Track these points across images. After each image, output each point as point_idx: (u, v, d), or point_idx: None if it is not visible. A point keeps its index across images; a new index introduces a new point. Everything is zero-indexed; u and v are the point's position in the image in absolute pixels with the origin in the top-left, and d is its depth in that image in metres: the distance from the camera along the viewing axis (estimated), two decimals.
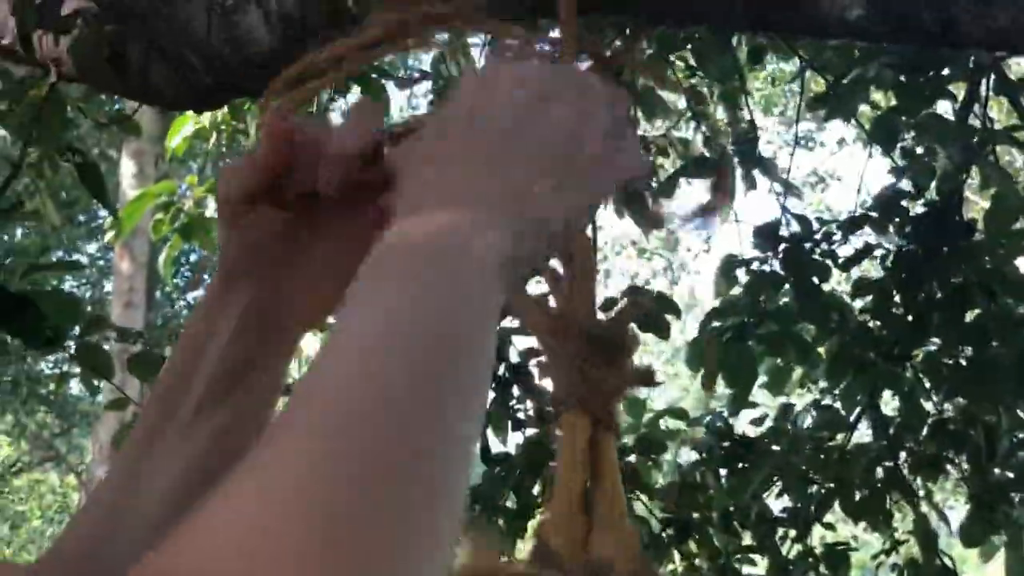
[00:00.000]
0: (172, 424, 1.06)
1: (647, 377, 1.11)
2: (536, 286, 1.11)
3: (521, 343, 4.36)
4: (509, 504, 4.59)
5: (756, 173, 5.14)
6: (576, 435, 1.03)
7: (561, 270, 1.10)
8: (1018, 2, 0.89)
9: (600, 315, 1.08)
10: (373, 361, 0.73)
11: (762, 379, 5.33)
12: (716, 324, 4.87)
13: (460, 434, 0.73)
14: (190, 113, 5.19)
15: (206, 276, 19.46)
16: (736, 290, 5.00)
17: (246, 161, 1.07)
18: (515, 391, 4.37)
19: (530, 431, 4.49)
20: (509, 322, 3.90)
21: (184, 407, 1.06)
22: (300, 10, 1.53)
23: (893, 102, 4.89)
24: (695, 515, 4.94)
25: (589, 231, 1.22)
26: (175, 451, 1.05)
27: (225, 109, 5.02)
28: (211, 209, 5.21)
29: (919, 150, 4.87)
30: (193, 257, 19.09)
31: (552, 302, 1.09)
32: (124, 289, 15.65)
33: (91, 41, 1.81)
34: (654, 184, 5.00)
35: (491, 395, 4.30)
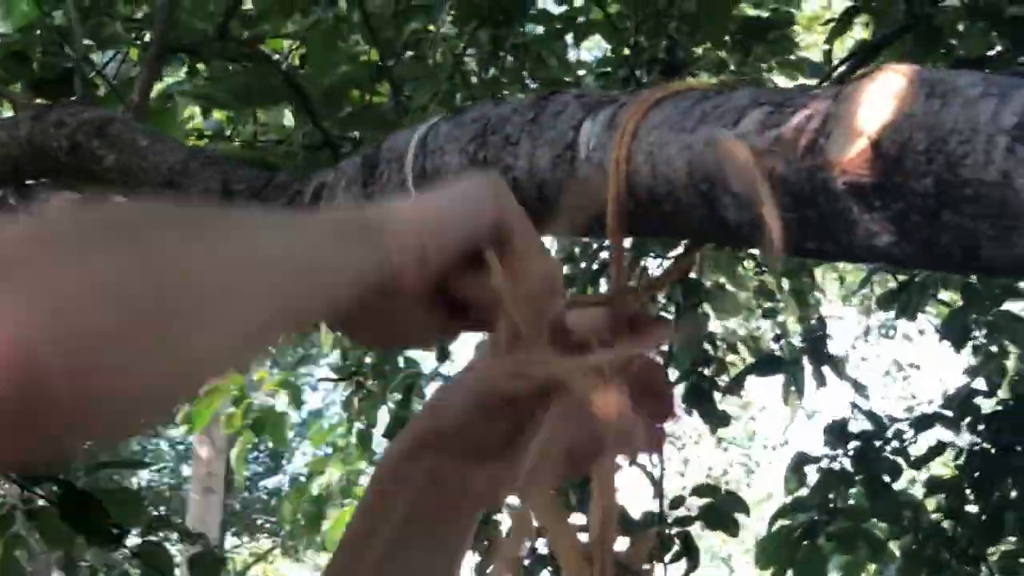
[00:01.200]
0: (362, 567, 1.10)
1: None
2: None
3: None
4: None
5: (826, 370, 5.13)
6: None
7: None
8: None
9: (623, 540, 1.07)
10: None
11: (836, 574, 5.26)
12: (786, 522, 4.81)
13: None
14: None
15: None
16: (806, 487, 4.95)
17: None
18: None
19: None
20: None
21: (372, 551, 1.09)
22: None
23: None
24: None
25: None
26: None
27: None
28: (281, 403, 5.26)
29: (991, 347, 4.84)
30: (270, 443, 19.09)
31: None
32: (202, 474, 15.71)
33: None
34: (723, 380, 5.00)
35: None
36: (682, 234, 1.21)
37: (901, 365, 19.97)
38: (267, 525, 20.08)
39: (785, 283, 5.48)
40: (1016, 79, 0.97)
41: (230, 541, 19.50)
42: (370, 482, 1.18)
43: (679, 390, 4.81)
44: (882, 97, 1.01)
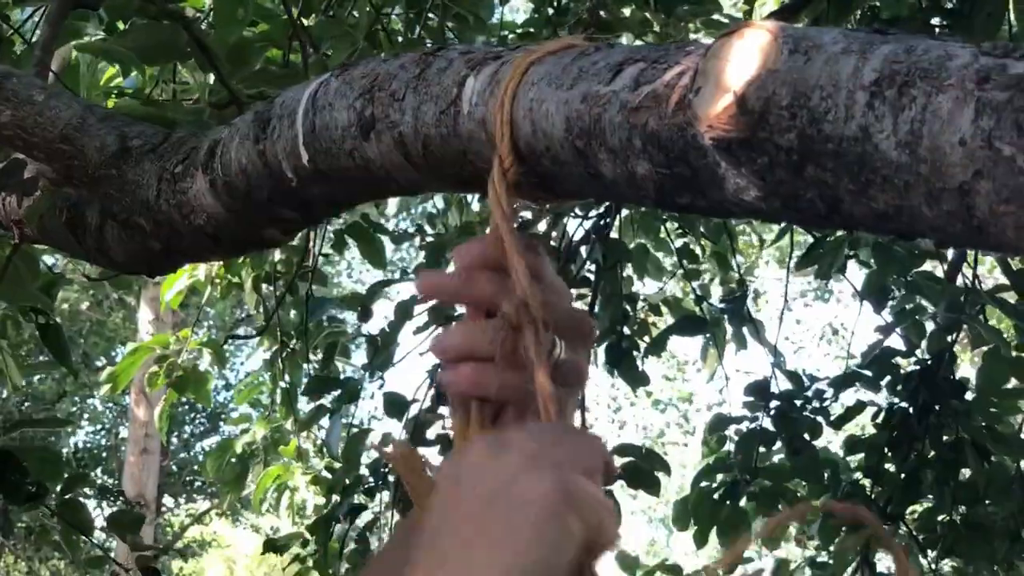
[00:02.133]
0: None
1: None
2: None
3: None
4: None
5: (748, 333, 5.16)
6: None
7: None
8: (896, 186, 0.91)
9: None
10: None
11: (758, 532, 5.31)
12: (706, 483, 4.85)
13: None
14: (185, 267, 5.26)
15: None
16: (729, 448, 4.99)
17: None
18: None
19: None
20: None
21: None
22: (245, 182, 1.56)
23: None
24: None
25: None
26: None
27: (219, 263, 5.09)
28: (205, 362, 5.23)
29: (910, 308, 4.87)
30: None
31: None
32: (140, 436, 15.64)
33: (48, 204, 1.85)
34: (645, 341, 5.03)
35: None
36: (561, 190, 1.22)
37: (835, 328, 20.16)
38: (204, 486, 20.03)
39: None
40: (877, 35, 0.98)
41: (167, 502, 19.43)
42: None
43: (600, 350, 4.84)
44: (748, 53, 1.01)
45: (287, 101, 1.51)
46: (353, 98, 1.38)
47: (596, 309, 4.76)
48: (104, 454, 20.66)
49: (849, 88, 0.95)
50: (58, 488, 3.50)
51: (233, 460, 5.55)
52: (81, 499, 3.63)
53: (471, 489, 0.98)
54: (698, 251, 5.54)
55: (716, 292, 5.93)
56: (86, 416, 20.85)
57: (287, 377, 5.28)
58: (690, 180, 1.08)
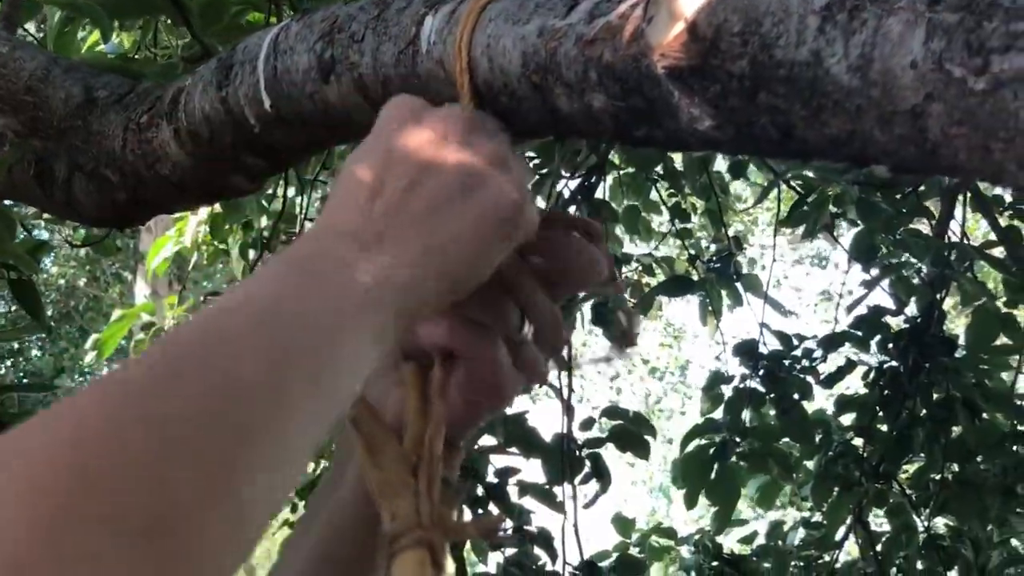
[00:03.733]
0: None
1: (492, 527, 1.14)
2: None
3: (498, 461, 4.35)
4: None
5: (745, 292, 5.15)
6: (420, 572, 1.02)
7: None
8: (847, 110, 0.90)
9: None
10: (222, 321, 0.79)
11: (753, 493, 5.32)
12: (699, 442, 4.85)
13: (287, 416, 0.75)
14: (171, 233, 5.25)
15: None
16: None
17: None
18: (492, 510, 4.33)
19: (509, 551, 4.46)
20: (484, 441, 3.88)
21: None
22: (208, 129, 1.54)
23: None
24: None
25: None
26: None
27: (207, 228, 5.07)
28: None
29: (899, 267, 4.86)
30: None
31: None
32: None
33: (16, 156, 1.83)
34: (633, 302, 5.02)
35: (467, 514, 4.28)
36: (520, 127, 1.20)
37: (831, 294, 20.17)
38: None
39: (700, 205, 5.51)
40: None
41: None
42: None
43: (586, 309, 4.83)
44: None
45: (249, 47, 1.50)
46: (313, 41, 1.37)
47: None
48: None
49: (800, 13, 0.94)
50: None
51: None
52: None
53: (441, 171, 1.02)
54: (688, 209, 5.53)
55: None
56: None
57: None
58: (646, 112, 1.07)
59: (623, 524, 5.39)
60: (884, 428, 4.90)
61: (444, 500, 1.04)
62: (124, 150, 1.67)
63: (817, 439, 4.95)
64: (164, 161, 1.63)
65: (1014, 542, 5.11)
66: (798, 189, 4.91)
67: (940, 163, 0.92)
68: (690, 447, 4.85)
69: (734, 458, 4.79)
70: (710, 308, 5.31)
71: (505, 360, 1.11)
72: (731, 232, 5.58)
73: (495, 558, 4.51)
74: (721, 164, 5.81)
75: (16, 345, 18.30)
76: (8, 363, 18.03)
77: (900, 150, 0.93)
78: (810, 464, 5.23)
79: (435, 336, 1.09)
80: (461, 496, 1.09)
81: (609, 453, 4.60)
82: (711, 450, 4.79)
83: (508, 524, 4.38)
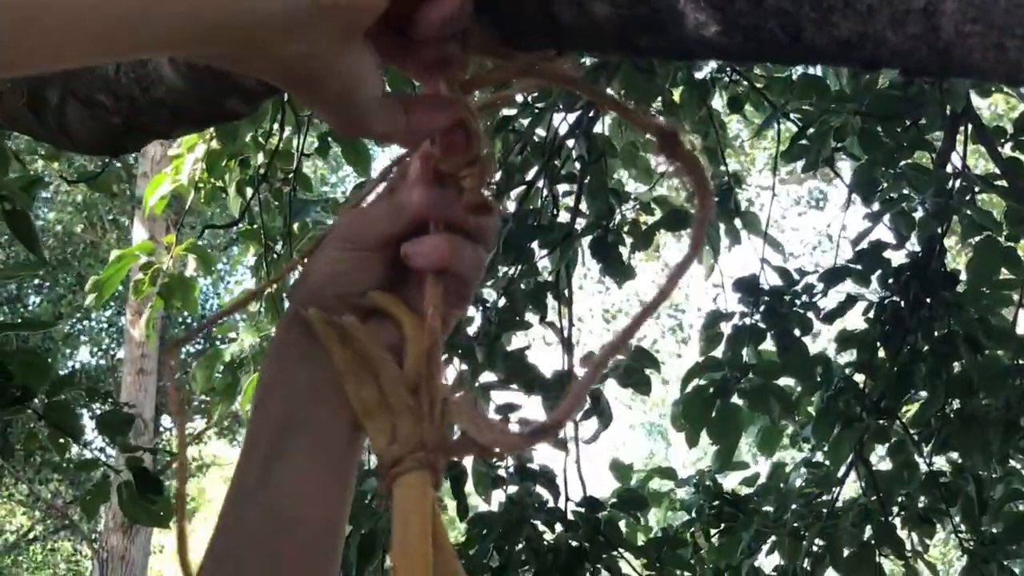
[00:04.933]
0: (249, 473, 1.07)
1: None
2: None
3: (499, 398, 4.34)
4: (492, 563, 4.54)
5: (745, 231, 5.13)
6: (424, 494, 1.01)
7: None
8: (858, 11, 0.88)
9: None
10: None
11: (754, 439, 5.31)
12: (700, 381, 4.83)
13: None
14: (167, 171, 5.21)
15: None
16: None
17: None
18: None
19: (512, 489, 4.46)
20: (486, 378, 3.86)
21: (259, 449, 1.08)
22: None
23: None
24: (685, 574, 4.89)
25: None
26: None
27: (203, 166, 5.04)
28: (190, 269, 5.20)
29: (899, 200, 4.83)
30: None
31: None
32: (136, 356, 15.62)
33: (7, 83, 1.81)
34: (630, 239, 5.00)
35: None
36: (522, 43, 1.18)
37: (831, 237, 20.16)
38: (201, 406, 20.07)
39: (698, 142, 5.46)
40: None
41: (166, 422, 19.45)
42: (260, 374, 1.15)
43: (585, 243, 4.81)
44: None
45: None
46: None
47: (582, 203, 4.73)
48: (102, 375, 20.68)
49: None
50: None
51: (222, 370, 5.52)
52: (69, 403, 3.58)
53: None
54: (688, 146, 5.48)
55: None
56: (84, 339, 20.86)
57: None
58: (650, 19, 1.05)
59: (621, 470, 5.37)
60: (886, 364, 4.87)
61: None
62: (118, 74, 1.64)
63: (818, 376, 4.93)
64: (158, 85, 1.60)
65: (1015, 480, 5.10)
66: (797, 123, 4.87)
67: (954, 63, 0.90)
68: (689, 387, 4.83)
69: (735, 396, 4.77)
70: (707, 246, 5.29)
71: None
72: (729, 171, 5.54)
73: (497, 496, 4.52)
74: (718, 103, 5.77)
75: (15, 291, 18.30)
76: (6, 309, 18.04)
77: (912, 51, 0.91)
78: (811, 408, 5.21)
79: (434, 254, 1.07)
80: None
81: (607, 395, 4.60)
82: (711, 388, 4.77)
83: (510, 461, 4.38)
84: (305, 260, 1.15)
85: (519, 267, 4.54)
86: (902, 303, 4.74)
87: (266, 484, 1.04)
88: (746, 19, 0.98)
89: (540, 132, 4.74)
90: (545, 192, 4.78)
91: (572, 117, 4.70)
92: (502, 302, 4.49)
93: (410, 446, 1.00)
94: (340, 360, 1.05)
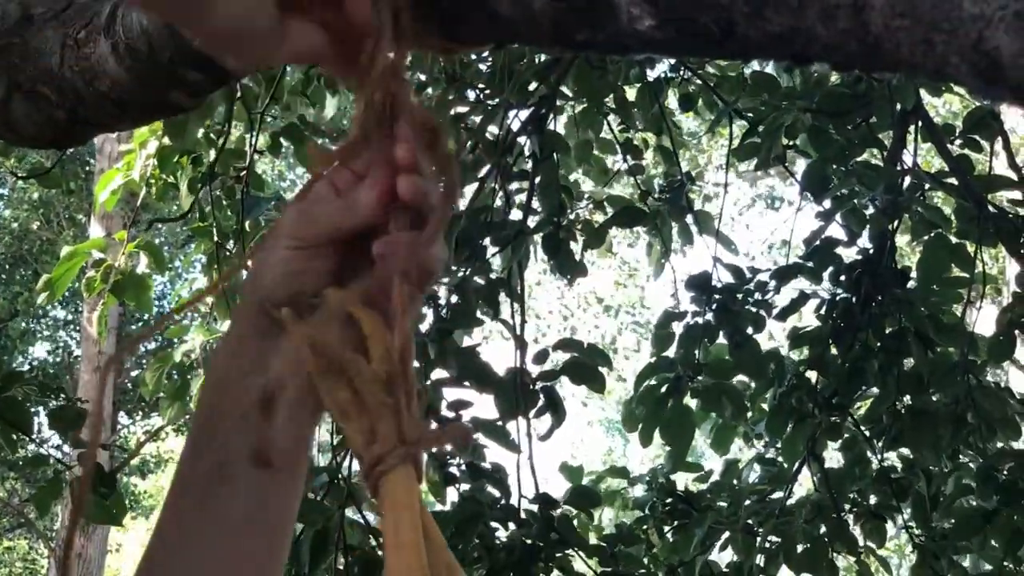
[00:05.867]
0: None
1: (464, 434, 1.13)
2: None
3: (450, 394, 4.33)
4: None
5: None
6: (411, 489, 1.01)
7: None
8: (790, 6, 0.89)
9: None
10: None
11: (707, 437, 5.32)
12: (652, 381, 4.83)
13: None
14: (119, 165, 5.18)
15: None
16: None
17: None
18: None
19: (464, 486, 4.46)
20: (438, 374, 3.86)
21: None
22: (146, 44, 1.52)
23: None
24: (640, 572, 4.89)
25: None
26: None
27: (155, 162, 5.01)
28: (142, 265, 5.17)
29: (851, 197, 4.85)
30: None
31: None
32: (93, 353, 15.52)
33: None
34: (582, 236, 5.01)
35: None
36: (463, 34, 1.18)
37: (787, 241, 20.21)
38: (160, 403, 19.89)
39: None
40: None
41: (123, 419, 19.35)
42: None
43: (536, 239, 4.81)
44: None
45: None
46: None
47: (533, 201, 4.73)
48: (59, 372, 20.56)
49: None
50: None
51: (172, 374, 5.47)
52: (20, 399, 3.56)
53: None
54: (640, 145, 5.51)
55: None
56: (40, 336, 20.73)
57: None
58: (586, 12, 1.05)
59: (571, 471, 5.35)
60: (838, 361, 4.90)
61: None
62: (62, 67, 1.64)
63: (771, 373, 4.94)
64: (103, 78, 1.60)
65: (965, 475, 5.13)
66: (750, 121, 4.88)
67: (883, 58, 0.91)
68: (642, 387, 4.84)
69: (688, 396, 4.78)
70: (658, 245, 5.31)
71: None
72: (684, 169, 5.56)
73: (451, 495, 4.51)
74: (673, 102, 5.78)
75: None
76: None
77: (843, 45, 0.92)
78: (764, 405, 5.22)
79: (406, 254, 1.08)
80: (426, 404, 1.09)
81: (563, 394, 4.60)
82: (663, 388, 4.77)
83: (462, 461, 4.38)
84: (251, 258, 1.16)
85: (472, 264, 4.54)
86: (854, 300, 4.77)
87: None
88: (680, 12, 0.99)
89: (493, 129, 4.75)
90: (497, 189, 4.78)
91: (524, 114, 4.70)
92: (454, 299, 4.49)
93: (390, 443, 1.01)
94: (312, 364, 1.05)
